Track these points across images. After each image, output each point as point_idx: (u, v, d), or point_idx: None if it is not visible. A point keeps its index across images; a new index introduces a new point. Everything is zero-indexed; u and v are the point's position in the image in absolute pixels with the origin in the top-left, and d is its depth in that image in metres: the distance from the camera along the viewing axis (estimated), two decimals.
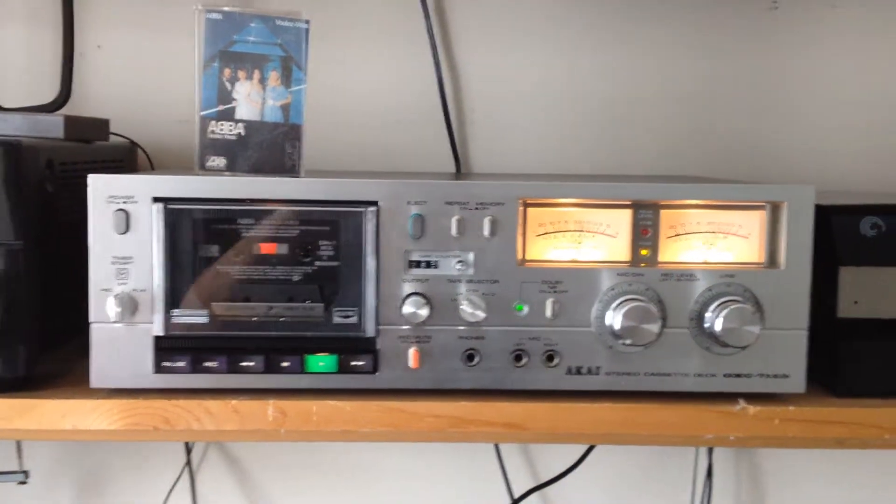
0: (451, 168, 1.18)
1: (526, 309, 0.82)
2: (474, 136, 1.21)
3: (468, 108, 1.21)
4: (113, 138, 1.07)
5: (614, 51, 1.20)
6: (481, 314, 0.80)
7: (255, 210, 0.81)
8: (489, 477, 1.23)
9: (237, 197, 0.80)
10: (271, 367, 0.81)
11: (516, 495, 1.22)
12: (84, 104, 1.14)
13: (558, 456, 1.21)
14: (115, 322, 0.80)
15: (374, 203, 0.81)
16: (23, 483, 0.97)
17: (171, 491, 1.21)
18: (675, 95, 1.20)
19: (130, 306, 0.80)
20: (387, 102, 1.19)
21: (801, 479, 1.25)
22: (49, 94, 1.12)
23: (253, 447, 1.24)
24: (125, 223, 0.79)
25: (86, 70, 1.15)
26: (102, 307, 0.80)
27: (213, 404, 0.81)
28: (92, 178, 0.79)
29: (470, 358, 0.83)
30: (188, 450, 1.21)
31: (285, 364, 0.81)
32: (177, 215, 0.80)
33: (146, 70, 1.16)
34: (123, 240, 0.80)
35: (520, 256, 0.82)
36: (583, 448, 1.20)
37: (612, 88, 1.20)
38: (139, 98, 1.17)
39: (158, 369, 0.81)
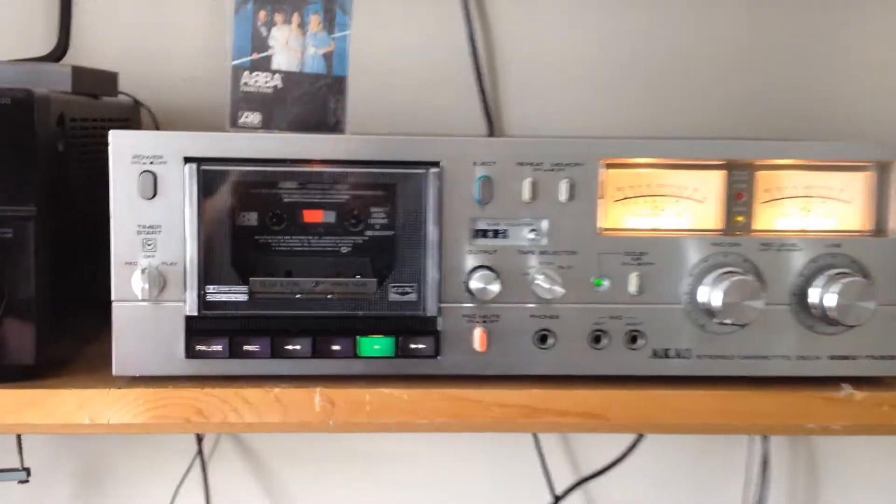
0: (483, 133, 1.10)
1: (606, 283, 0.74)
2: (507, 98, 1.12)
3: (501, 67, 1.12)
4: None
5: (658, 5, 1.11)
6: (559, 290, 0.72)
7: (299, 172, 0.72)
8: (526, 467, 1.16)
9: (280, 157, 0.72)
10: (319, 351, 0.73)
11: (556, 488, 1.15)
12: (80, 59, 1.04)
13: (600, 445, 1.14)
14: (141, 300, 0.71)
15: (437, 164, 0.72)
16: (24, 482, 0.88)
17: (181, 483, 1.12)
18: (722, 54, 1.12)
19: (159, 282, 0.71)
20: (414, 62, 1.10)
21: (860, 468, 1.19)
22: (40, 46, 1.02)
23: (268, 434, 1.15)
24: (152, 187, 0.70)
25: (82, 20, 1.05)
26: (126, 283, 0.71)
27: (253, 393, 0.73)
28: (114, 136, 0.70)
29: (543, 339, 0.75)
30: (199, 438, 1.12)
31: (335, 347, 0.73)
32: (212, 178, 0.71)
33: (150, 20, 1.07)
34: (150, 206, 0.71)
35: (600, 224, 0.74)
36: (628, 437, 1.13)
37: (656, 47, 1.12)
38: (142, 52, 1.07)
39: (191, 354, 0.72)
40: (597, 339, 0.75)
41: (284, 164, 0.72)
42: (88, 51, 1.05)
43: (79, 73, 0.80)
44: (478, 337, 0.74)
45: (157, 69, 1.07)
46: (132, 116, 0.99)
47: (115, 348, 0.72)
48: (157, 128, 1.06)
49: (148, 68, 1.07)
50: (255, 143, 0.72)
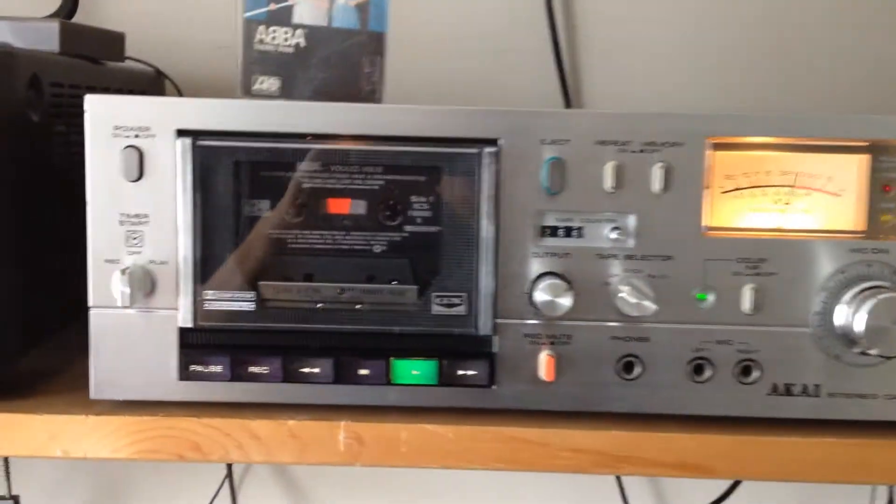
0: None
1: (711, 298, 0.59)
2: (588, 69, 0.97)
3: (582, 34, 0.97)
4: (133, 64, 0.85)
5: None
6: (650, 306, 0.57)
7: (321, 151, 0.58)
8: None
9: (296, 131, 0.58)
10: (344, 376, 0.59)
11: None
12: (95, 21, 0.92)
13: (694, 492, 0.98)
14: (123, 307, 0.58)
15: (494, 142, 0.58)
16: None
17: None
18: (853, 18, 0.95)
19: (145, 285, 0.57)
20: (474, 21, 0.95)
21: None
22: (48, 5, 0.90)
23: None
24: (138, 166, 0.57)
25: None
26: (106, 286, 0.58)
27: (262, 426, 0.59)
28: (90, 101, 0.57)
29: (628, 368, 0.60)
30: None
31: (364, 372, 0.59)
32: (211, 156, 0.58)
33: None
34: (136, 190, 0.58)
35: (705, 222, 0.59)
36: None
37: (761, 12, 0.96)
38: (166, 16, 0.94)
39: (185, 375, 0.59)
40: (698, 370, 0.60)
41: (304, 140, 0.58)
42: (103, 12, 0.93)
43: (69, 30, 0.67)
44: (544, 363, 0.59)
45: (182, 36, 0.94)
46: (151, 88, 0.86)
47: (92, 365, 0.59)
48: None
49: (172, 35, 0.94)
50: (266, 114, 0.58)
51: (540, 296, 0.57)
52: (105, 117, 0.57)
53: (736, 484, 0.95)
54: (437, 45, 0.95)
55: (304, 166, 0.59)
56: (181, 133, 0.57)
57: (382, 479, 1.01)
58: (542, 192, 0.58)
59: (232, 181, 0.58)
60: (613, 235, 0.59)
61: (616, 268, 0.59)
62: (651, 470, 0.60)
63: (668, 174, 0.58)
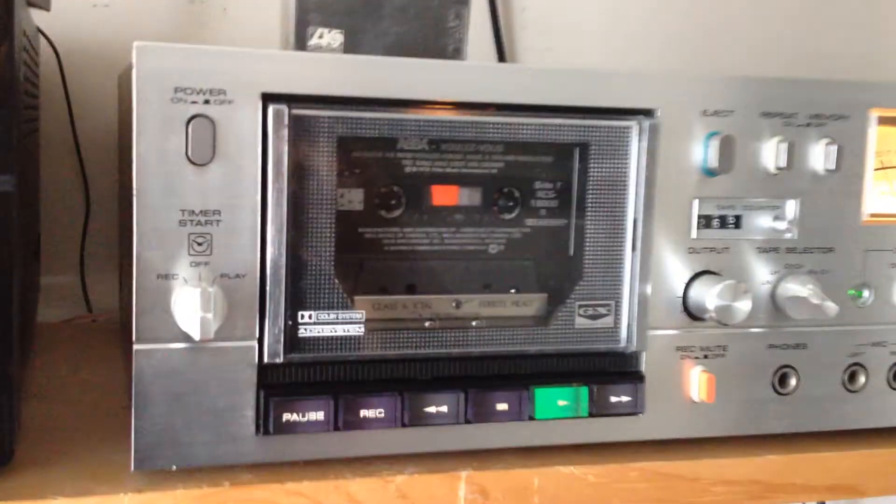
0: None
1: (867, 294, 0.53)
2: (523, 27, 0.88)
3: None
4: None
5: None
6: (832, 307, 0.50)
7: (425, 122, 0.46)
8: None
9: (400, 96, 0.46)
10: (478, 413, 0.47)
11: None
12: None
13: None
14: (184, 344, 0.43)
15: (651, 112, 0.49)
16: None
17: None
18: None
19: (218, 308, 0.43)
20: None
21: None
22: None
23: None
24: (210, 143, 0.43)
25: None
26: (158, 312, 0.43)
27: (364, 487, 0.46)
28: (141, 50, 0.42)
29: (783, 381, 0.53)
30: None
31: (501, 407, 0.48)
32: (312, 130, 0.44)
33: None
34: (204, 176, 0.43)
35: (864, 208, 0.53)
36: None
37: None
38: None
39: (268, 426, 0.45)
40: (852, 378, 0.54)
41: (407, 108, 0.46)
42: None
43: None
44: (701, 381, 0.51)
45: None
46: None
47: (136, 426, 0.44)
48: (61, 70, 0.75)
49: None
50: (375, 74, 0.45)
51: (714, 300, 0.49)
52: (163, 74, 0.42)
53: None
54: None
55: (405, 144, 0.47)
56: (270, 98, 0.43)
57: None
58: (701, 173, 0.50)
59: (336, 164, 0.45)
60: (773, 225, 0.51)
61: (776, 263, 0.52)
62: (804, 496, 0.53)
63: (839, 153, 0.51)
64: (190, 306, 0.42)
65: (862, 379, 0.54)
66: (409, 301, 0.47)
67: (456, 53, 0.52)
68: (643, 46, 0.86)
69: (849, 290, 0.53)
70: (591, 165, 0.49)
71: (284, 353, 0.45)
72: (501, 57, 0.76)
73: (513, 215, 0.49)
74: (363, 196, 0.47)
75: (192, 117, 0.42)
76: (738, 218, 0.51)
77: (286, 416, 0.45)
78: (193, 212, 0.43)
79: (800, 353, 0.52)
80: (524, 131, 0.48)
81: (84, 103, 0.76)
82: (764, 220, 0.51)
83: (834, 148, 0.51)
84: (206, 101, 0.43)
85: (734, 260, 0.51)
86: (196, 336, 0.42)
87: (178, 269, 0.43)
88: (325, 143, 0.44)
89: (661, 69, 0.50)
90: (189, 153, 0.42)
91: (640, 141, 0.48)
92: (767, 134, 0.50)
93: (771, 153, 0.50)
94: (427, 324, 0.47)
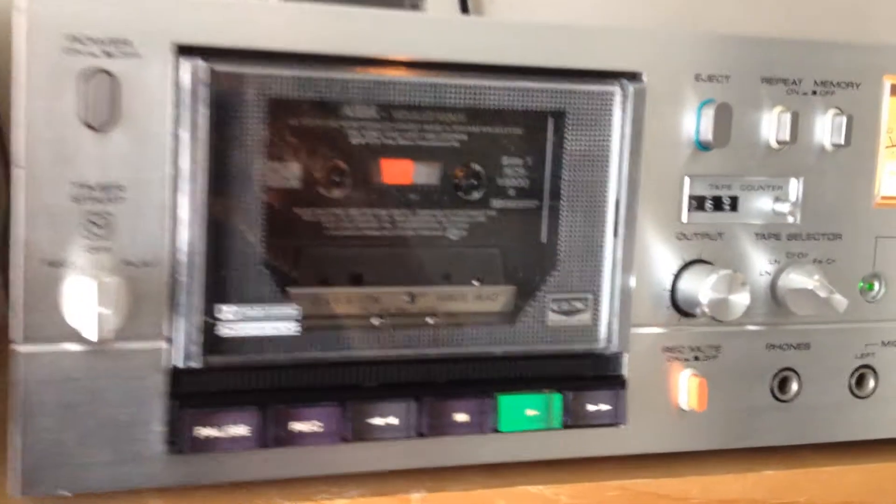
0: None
1: (880, 288, 0.47)
2: None
3: None
4: None
5: None
6: (842, 300, 0.44)
7: (376, 84, 0.39)
8: None
9: (346, 52, 0.39)
10: (434, 426, 0.41)
11: None
12: None
13: None
14: (78, 345, 0.36)
15: (635, 76, 0.42)
16: None
17: None
18: None
19: (119, 302, 0.36)
20: None
21: None
22: None
23: None
24: (110, 103, 0.36)
25: None
26: (47, 308, 0.36)
27: None
28: None
29: (783, 386, 0.46)
30: None
31: (460, 418, 0.41)
32: (237, 89, 0.37)
33: None
34: (104, 144, 0.36)
35: (877, 189, 0.47)
36: None
37: None
38: None
39: (181, 444, 0.38)
40: (860, 382, 0.48)
41: (352, 68, 0.39)
42: None
43: None
44: (692, 387, 0.44)
45: None
46: None
47: (17, 443, 0.37)
48: None
49: None
50: (314, 25, 0.38)
51: (707, 293, 0.43)
52: (53, 19, 0.35)
53: None
54: None
55: (352, 111, 0.40)
56: (185, 51, 0.36)
57: None
58: (692, 147, 0.44)
59: (267, 132, 0.38)
60: (774, 207, 0.45)
61: (777, 251, 0.45)
62: None
63: (844, 125, 0.45)
64: (84, 300, 0.35)
65: (871, 383, 0.48)
66: (354, 294, 0.41)
67: (413, 5, 0.45)
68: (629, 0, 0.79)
69: (858, 281, 0.47)
70: (567, 137, 0.42)
71: (201, 355, 0.38)
72: (465, 9, 0.68)
73: (476, 196, 0.42)
74: (300, 171, 0.40)
75: (90, 73, 0.35)
76: (734, 199, 0.45)
77: (203, 431, 0.38)
78: (90, 186, 0.36)
79: (802, 353, 0.46)
80: (490, 97, 0.41)
81: None
82: (763, 202, 0.45)
83: (843, 119, 0.45)
84: (108, 54, 0.36)
85: (729, 247, 0.45)
86: (91, 336, 0.35)
87: (71, 255, 0.36)
88: (254, 106, 0.38)
89: (649, 26, 0.43)
90: (86, 116, 0.35)
91: (623, 109, 0.42)
92: (768, 103, 0.44)
93: (772, 125, 0.44)
94: (375, 321, 0.41)
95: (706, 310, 0.43)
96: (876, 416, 0.48)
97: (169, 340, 0.38)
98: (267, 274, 0.38)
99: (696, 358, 0.45)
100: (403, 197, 0.41)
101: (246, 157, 0.38)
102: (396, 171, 0.41)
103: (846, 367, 0.47)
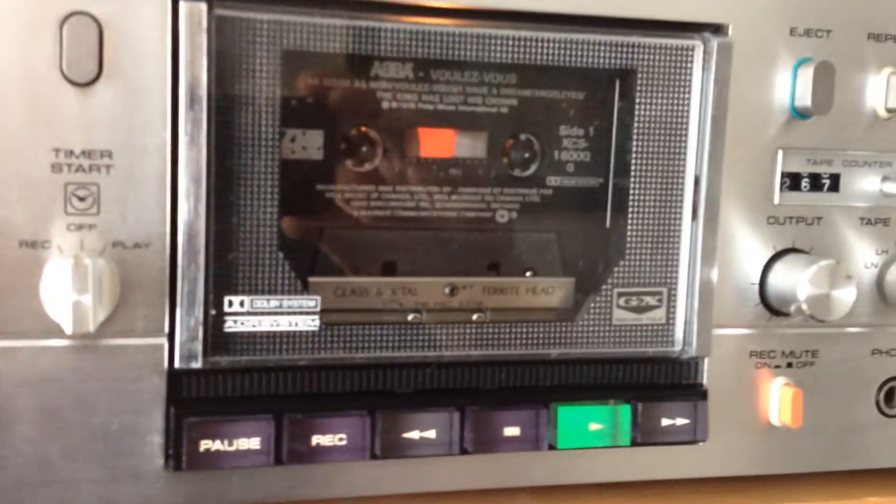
0: None
1: None
2: None
3: None
4: None
5: None
6: None
7: (411, 35, 0.34)
8: None
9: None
10: (479, 441, 0.35)
11: None
12: None
13: None
14: (62, 340, 0.31)
15: (719, 28, 0.36)
16: None
17: None
18: None
19: (105, 290, 0.31)
20: None
21: None
22: None
23: None
24: (94, 54, 0.30)
25: None
26: (23, 296, 0.31)
27: None
28: None
29: (889, 398, 0.40)
30: None
31: (510, 432, 0.35)
32: (243, 38, 0.32)
33: None
34: (87, 101, 0.31)
35: None
36: None
37: None
38: None
39: (180, 459, 0.33)
40: None
41: (384, 13, 0.34)
42: None
43: None
44: (782, 398, 0.38)
45: None
46: None
47: None
48: None
49: None
50: None
51: (804, 288, 0.36)
52: None
53: None
54: None
55: (381, 69, 0.35)
56: None
57: None
58: (787, 115, 0.37)
59: (281, 92, 0.33)
60: (884, 187, 0.39)
61: (885, 240, 0.39)
62: None
63: None
64: (59, 286, 0.30)
65: None
66: (386, 285, 0.35)
67: None
68: None
69: None
70: (638, 102, 0.36)
71: (205, 354, 0.32)
72: None
73: (529, 171, 0.37)
74: (322, 140, 0.34)
75: (68, 15, 0.30)
76: (834, 177, 0.39)
77: (207, 445, 0.32)
78: (72, 152, 0.31)
79: None
80: (546, 52, 0.35)
81: None
82: (870, 182, 0.39)
83: None
84: None
85: (829, 234, 0.39)
86: (66, 328, 0.29)
87: (50, 235, 0.31)
88: (265, 60, 0.32)
89: None
90: (64, 67, 0.30)
91: (705, 68, 0.36)
92: (876, 63, 0.38)
93: (880, 89, 0.38)
94: (410, 317, 0.35)
95: (803, 307, 0.36)
96: None
97: (168, 336, 0.32)
98: (282, 260, 0.33)
99: (790, 365, 0.39)
100: (443, 172, 0.36)
101: (257, 121, 0.32)
102: (435, 142, 0.36)
103: None
